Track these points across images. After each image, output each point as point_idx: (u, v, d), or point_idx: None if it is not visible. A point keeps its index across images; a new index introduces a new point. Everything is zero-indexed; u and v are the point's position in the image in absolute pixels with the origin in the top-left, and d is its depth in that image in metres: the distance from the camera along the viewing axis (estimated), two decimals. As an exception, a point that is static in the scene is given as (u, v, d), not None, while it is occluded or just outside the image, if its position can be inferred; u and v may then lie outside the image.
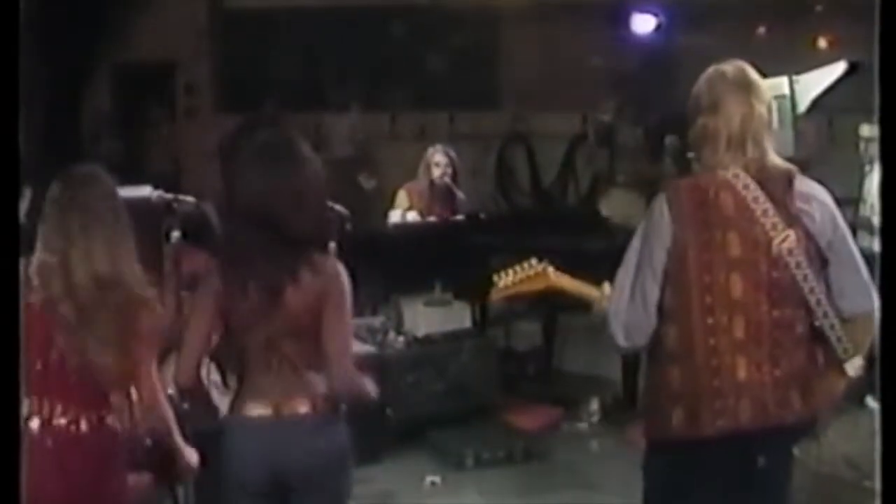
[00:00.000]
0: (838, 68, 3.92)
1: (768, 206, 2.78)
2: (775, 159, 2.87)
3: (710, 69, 2.94)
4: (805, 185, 2.85)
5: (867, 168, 6.79)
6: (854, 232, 6.62)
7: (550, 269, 3.10)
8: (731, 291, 2.78)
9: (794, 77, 3.74)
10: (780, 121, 3.62)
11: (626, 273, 2.85)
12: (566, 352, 6.79)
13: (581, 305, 3.06)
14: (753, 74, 2.91)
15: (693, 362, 2.78)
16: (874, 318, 2.81)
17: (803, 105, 3.72)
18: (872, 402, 5.25)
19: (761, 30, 9.72)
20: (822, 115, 7.27)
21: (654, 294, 2.80)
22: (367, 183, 9.50)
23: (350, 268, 3.12)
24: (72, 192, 3.15)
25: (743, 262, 2.78)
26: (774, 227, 2.77)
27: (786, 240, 2.77)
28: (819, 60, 4.01)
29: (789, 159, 3.10)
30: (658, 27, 9.23)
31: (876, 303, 2.81)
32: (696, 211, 2.80)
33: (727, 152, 2.83)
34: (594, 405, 6.30)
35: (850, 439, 4.09)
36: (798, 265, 2.77)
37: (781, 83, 3.71)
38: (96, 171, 3.29)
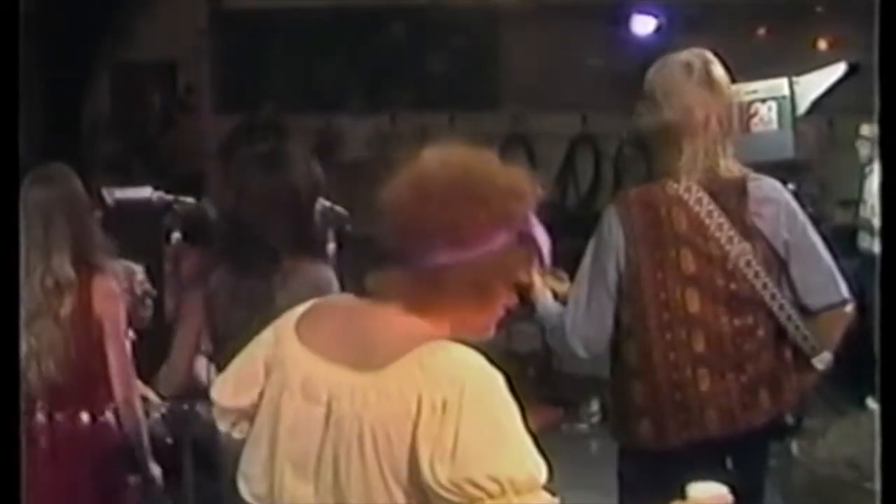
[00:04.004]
0: (838, 69, 3.91)
1: (723, 219, 2.72)
2: (729, 164, 2.79)
3: (673, 60, 2.85)
4: (759, 188, 2.78)
5: (867, 169, 6.80)
6: (854, 233, 6.67)
7: None
8: (688, 307, 2.74)
9: (794, 78, 3.72)
10: (780, 122, 3.61)
11: (580, 288, 2.84)
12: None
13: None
14: (719, 71, 2.83)
15: (654, 377, 2.76)
16: (843, 310, 2.80)
17: (803, 106, 3.71)
18: (873, 404, 5.25)
19: (761, 31, 9.71)
20: (823, 117, 7.26)
21: (609, 309, 2.80)
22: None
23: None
24: (28, 192, 3.18)
25: (699, 278, 2.74)
26: (730, 240, 2.72)
27: (742, 253, 2.72)
28: (819, 62, 4.00)
29: (790, 161, 3.08)
30: (658, 28, 9.23)
31: (845, 294, 2.79)
32: (648, 230, 2.76)
33: (681, 156, 2.76)
34: (594, 406, 6.31)
35: (851, 441, 4.08)
36: (757, 275, 2.73)
37: (781, 84, 3.70)
38: (55, 171, 3.31)
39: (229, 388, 1.89)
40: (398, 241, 1.77)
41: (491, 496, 1.61)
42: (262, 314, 2.91)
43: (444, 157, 1.82)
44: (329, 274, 3.10)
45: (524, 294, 3.07)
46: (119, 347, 3.28)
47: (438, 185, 1.76)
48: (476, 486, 1.61)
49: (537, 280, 3.05)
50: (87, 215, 3.34)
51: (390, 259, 1.78)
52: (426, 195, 1.75)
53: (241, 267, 3.01)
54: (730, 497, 2.03)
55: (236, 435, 1.88)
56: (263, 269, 2.97)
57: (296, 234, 3.03)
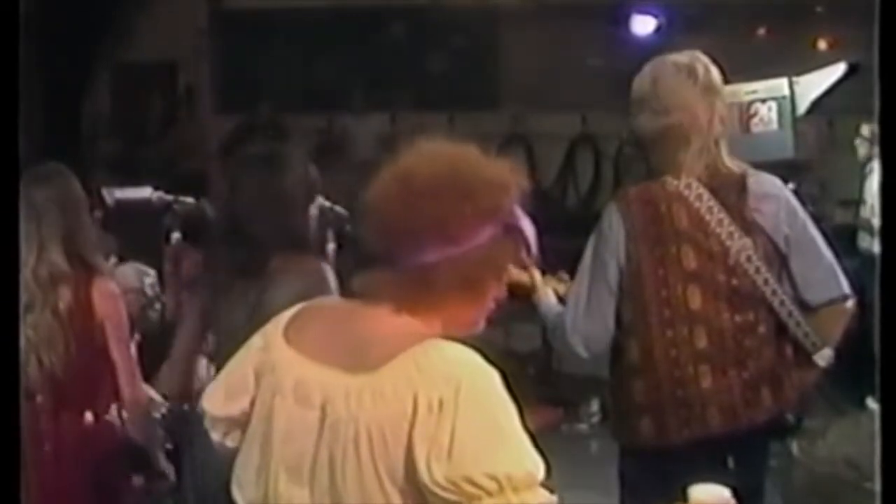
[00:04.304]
0: (838, 70, 3.92)
1: (723, 215, 2.73)
2: (728, 162, 2.81)
3: (672, 63, 2.86)
4: (758, 183, 2.79)
5: (867, 169, 6.80)
6: (854, 233, 6.68)
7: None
8: (690, 303, 2.74)
9: (794, 78, 3.73)
10: (780, 122, 3.62)
11: (580, 286, 2.84)
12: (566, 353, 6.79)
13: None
14: (717, 74, 2.85)
15: (656, 375, 2.76)
16: (844, 306, 2.80)
17: (803, 106, 3.71)
18: (872, 403, 5.25)
19: (761, 31, 9.72)
20: (823, 117, 7.27)
21: (610, 306, 2.80)
22: None
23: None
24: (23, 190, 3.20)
25: (700, 274, 2.74)
26: (731, 235, 2.73)
27: (743, 248, 2.73)
28: (819, 62, 4.00)
29: (790, 161, 3.09)
30: (658, 28, 9.23)
31: (845, 289, 2.80)
32: (649, 226, 2.76)
33: (685, 156, 2.77)
34: (594, 406, 6.30)
35: (851, 441, 4.08)
36: (757, 270, 2.74)
37: (781, 84, 3.70)
38: (51, 170, 3.33)
39: (219, 397, 1.88)
40: (386, 241, 1.75)
41: (489, 494, 1.61)
42: (256, 313, 2.93)
43: (427, 153, 1.80)
44: (322, 267, 3.10)
45: (528, 295, 3.07)
46: (123, 348, 3.29)
47: (423, 181, 1.74)
48: (474, 484, 1.60)
49: (539, 281, 3.05)
50: (83, 214, 3.34)
51: (378, 259, 1.77)
52: (411, 193, 1.73)
53: (235, 266, 3.02)
54: (732, 501, 2.03)
55: (229, 444, 1.86)
56: (255, 267, 2.98)
57: (288, 234, 3.04)
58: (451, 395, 1.64)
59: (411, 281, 1.73)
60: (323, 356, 1.75)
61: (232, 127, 9.37)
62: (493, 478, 1.61)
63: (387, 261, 1.75)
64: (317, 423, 1.71)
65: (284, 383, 1.76)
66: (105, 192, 3.63)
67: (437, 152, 1.81)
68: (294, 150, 3.34)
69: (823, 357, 2.81)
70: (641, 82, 2.82)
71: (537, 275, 3.07)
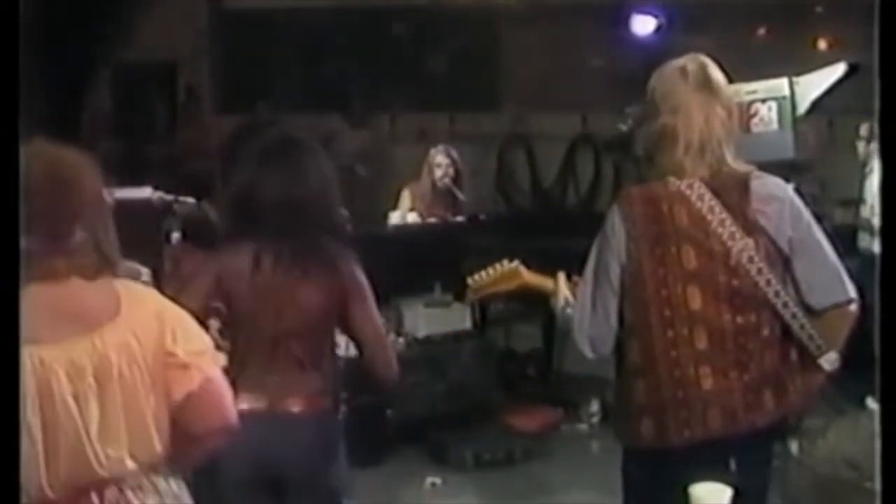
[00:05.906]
0: (838, 70, 3.91)
1: (725, 215, 2.72)
2: (732, 163, 2.80)
3: (670, 66, 2.88)
4: (762, 185, 2.78)
5: (867, 169, 6.79)
6: (854, 233, 6.67)
7: (522, 268, 3.12)
8: (690, 303, 2.73)
9: (794, 78, 3.72)
10: (781, 122, 3.61)
11: (586, 287, 2.84)
12: (566, 353, 6.79)
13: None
14: (717, 74, 2.85)
15: (656, 375, 2.76)
16: (848, 310, 2.79)
17: (803, 107, 3.70)
18: (872, 403, 5.25)
19: (761, 31, 9.72)
20: (823, 117, 7.26)
21: (614, 307, 2.79)
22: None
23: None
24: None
25: (700, 274, 2.73)
26: (732, 236, 2.72)
27: (744, 248, 2.72)
28: (819, 62, 4.00)
29: (790, 161, 3.07)
30: (658, 28, 9.23)
31: (850, 293, 2.78)
32: (650, 226, 2.76)
33: (685, 157, 2.77)
34: (594, 406, 6.29)
35: (851, 440, 4.09)
36: (759, 271, 2.72)
37: (781, 84, 3.69)
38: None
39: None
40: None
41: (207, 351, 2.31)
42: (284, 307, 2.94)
43: (39, 155, 2.22)
44: (354, 263, 3.14)
45: (546, 298, 3.08)
46: None
47: (35, 180, 2.16)
48: (203, 352, 2.28)
49: (563, 286, 3.04)
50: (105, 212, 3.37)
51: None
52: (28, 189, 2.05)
53: (290, 253, 3.01)
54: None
55: None
56: (285, 263, 3.00)
57: (326, 214, 3.09)
58: (166, 305, 2.30)
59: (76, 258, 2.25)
60: (71, 330, 2.15)
61: (233, 126, 9.37)
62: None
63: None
64: (103, 378, 2.13)
65: (59, 374, 2.11)
66: (105, 192, 3.63)
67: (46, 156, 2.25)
68: (312, 139, 3.36)
69: (829, 361, 2.79)
70: (647, 91, 2.86)
71: (562, 279, 3.07)
